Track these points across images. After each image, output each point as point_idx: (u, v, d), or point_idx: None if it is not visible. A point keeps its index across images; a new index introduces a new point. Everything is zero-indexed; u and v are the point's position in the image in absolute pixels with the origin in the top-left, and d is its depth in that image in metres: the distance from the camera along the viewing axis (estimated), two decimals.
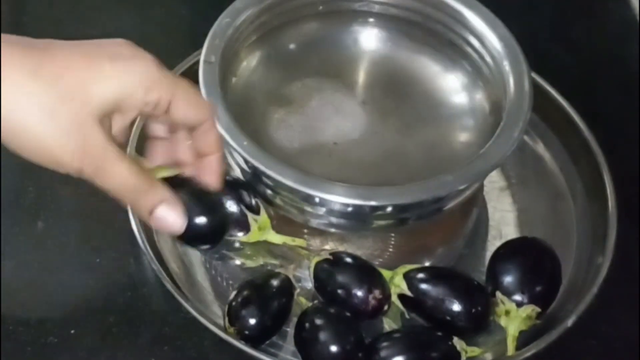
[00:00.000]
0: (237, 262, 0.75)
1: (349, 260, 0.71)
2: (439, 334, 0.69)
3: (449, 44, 0.79)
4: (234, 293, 0.70)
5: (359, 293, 0.69)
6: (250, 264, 0.75)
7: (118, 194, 0.55)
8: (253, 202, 0.72)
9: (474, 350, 0.69)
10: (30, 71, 0.51)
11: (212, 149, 0.61)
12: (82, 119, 0.52)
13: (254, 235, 0.73)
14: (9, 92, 0.50)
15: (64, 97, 0.51)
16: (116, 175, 0.54)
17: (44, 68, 0.51)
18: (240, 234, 0.72)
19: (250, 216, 0.72)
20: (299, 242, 0.73)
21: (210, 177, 0.61)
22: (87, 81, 0.52)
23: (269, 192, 0.72)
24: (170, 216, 0.56)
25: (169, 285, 0.69)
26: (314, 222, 0.72)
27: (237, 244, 0.74)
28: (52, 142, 0.52)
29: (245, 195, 0.72)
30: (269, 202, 0.73)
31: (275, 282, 0.70)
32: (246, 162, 0.69)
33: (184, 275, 0.74)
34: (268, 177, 0.68)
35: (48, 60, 0.51)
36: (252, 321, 0.68)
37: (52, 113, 0.51)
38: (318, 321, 0.68)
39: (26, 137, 0.51)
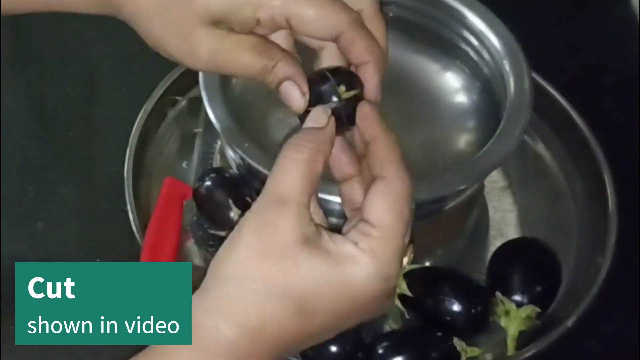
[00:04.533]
0: None
1: None
2: (439, 334, 0.69)
3: (448, 43, 0.79)
4: None
5: None
6: None
7: (247, 77, 0.55)
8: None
9: (474, 351, 0.69)
10: None
11: (361, 58, 0.53)
12: (189, 25, 0.53)
13: None
14: None
15: (173, 3, 0.53)
16: (238, 66, 0.54)
17: None
18: None
19: None
20: None
21: (370, 90, 0.54)
22: None
23: None
24: (294, 93, 0.54)
25: None
26: None
27: None
28: (168, 43, 0.54)
29: (245, 192, 0.72)
30: None
31: None
32: (246, 162, 0.69)
33: None
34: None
35: None
36: None
37: (163, 16, 0.53)
38: None
39: (151, 37, 0.55)
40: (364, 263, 0.49)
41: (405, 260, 0.53)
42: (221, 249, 0.50)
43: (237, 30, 0.54)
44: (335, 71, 0.54)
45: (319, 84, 0.54)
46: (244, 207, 0.72)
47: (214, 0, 0.53)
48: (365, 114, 0.53)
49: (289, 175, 0.49)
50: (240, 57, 0.54)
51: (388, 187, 0.50)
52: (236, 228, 0.49)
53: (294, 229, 0.48)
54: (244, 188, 0.73)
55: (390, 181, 0.51)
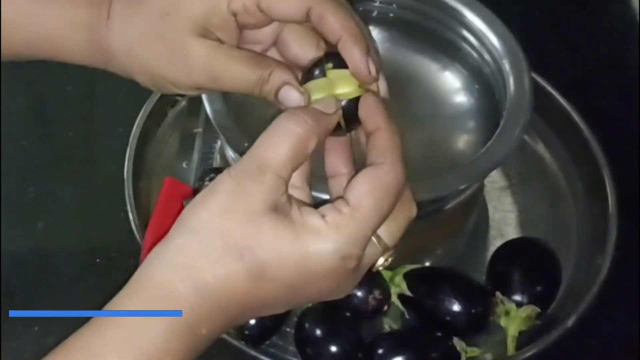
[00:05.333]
0: None
1: None
2: (439, 334, 0.69)
3: (448, 43, 0.79)
4: None
5: (359, 293, 0.69)
6: None
7: (242, 91, 0.55)
8: None
9: (473, 351, 0.69)
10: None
11: (334, 33, 0.52)
12: (180, 37, 0.54)
13: None
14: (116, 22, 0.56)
15: (159, 19, 0.54)
16: (234, 78, 0.54)
17: None
18: None
19: None
20: None
21: (353, 65, 0.52)
22: (176, 4, 0.54)
23: None
24: (292, 93, 0.54)
25: None
26: None
27: None
28: (164, 65, 0.55)
29: None
30: None
31: None
32: None
33: None
34: None
35: None
36: (252, 321, 0.68)
37: (155, 38, 0.54)
38: (318, 321, 0.68)
39: (137, 63, 0.56)
40: (325, 236, 0.48)
41: (381, 260, 0.52)
42: (192, 203, 0.49)
43: (224, 39, 0.54)
44: (328, 54, 0.54)
45: (312, 68, 0.54)
46: None
47: (194, 6, 0.53)
48: (368, 104, 0.52)
49: (277, 143, 0.49)
50: (235, 68, 0.54)
51: (377, 173, 0.50)
52: (212, 184, 0.49)
53: (266, 197, 0.48)
54: None
55: (380, 168, 0.50)
